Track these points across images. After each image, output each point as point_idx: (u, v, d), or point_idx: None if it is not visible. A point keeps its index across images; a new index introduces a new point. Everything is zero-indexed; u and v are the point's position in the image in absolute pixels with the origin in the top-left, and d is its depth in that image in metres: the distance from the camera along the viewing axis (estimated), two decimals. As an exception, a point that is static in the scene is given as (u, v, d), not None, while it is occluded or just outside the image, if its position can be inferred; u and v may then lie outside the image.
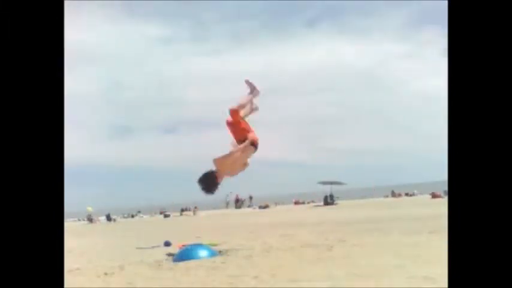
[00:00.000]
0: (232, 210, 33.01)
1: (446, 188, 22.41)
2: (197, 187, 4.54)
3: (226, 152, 4.69)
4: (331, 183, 31.58)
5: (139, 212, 38.96)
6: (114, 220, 30.90)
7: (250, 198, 37.96)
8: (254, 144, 4.73)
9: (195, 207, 32.24)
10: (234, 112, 4.71)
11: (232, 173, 4.76)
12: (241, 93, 4.92)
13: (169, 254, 6.36)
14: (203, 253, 5.68)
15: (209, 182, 4.70)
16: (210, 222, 18.47)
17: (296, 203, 36.11)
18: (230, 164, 4.74)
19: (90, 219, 31.13)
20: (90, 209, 34.46)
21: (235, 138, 4.79)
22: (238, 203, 36.80)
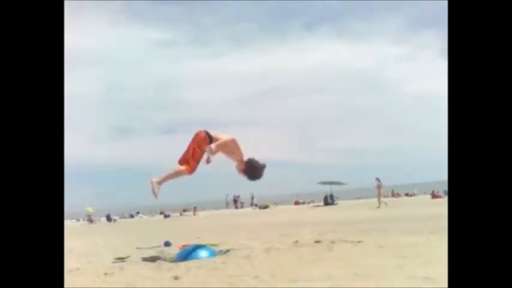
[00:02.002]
0: (231, 211, 33.00)
1: (446, 188, 22.43)
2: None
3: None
4: (331, 183, 31.63)
5: (138, 212, 38.96)
6: (115, 220, 30.93)
7: (252, 198, 37.95)
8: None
9: (195, 207, 32.29)
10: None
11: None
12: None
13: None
14: (203, 253, 5.68)
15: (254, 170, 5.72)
16: (210, 222, 18.47)
17: (296, 203, 36.10)
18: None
19: (90, 220, 31.14)
20: (90, 209, 34.46)
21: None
22: (237, 203, 36.81)
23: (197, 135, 5.70)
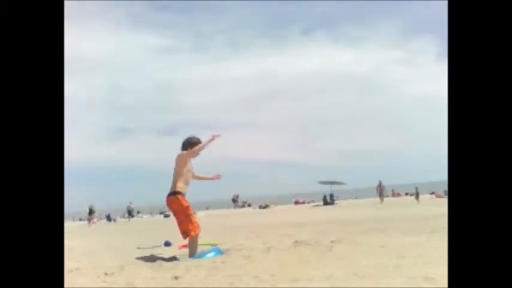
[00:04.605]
0: (231, 210, 33.01)
1: (446, 188, 22.45)
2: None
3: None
4: (331, 183, 31.64)
5: (138, 212, 38.94)
6: (115, 220, 30.97)
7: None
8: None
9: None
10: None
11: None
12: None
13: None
14: (209, 253, 5.79)
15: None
16: (210, 222, 18.46)
17: (296, 202, 36.12)
18: None
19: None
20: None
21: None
22: (236, 203, 36.96)
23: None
